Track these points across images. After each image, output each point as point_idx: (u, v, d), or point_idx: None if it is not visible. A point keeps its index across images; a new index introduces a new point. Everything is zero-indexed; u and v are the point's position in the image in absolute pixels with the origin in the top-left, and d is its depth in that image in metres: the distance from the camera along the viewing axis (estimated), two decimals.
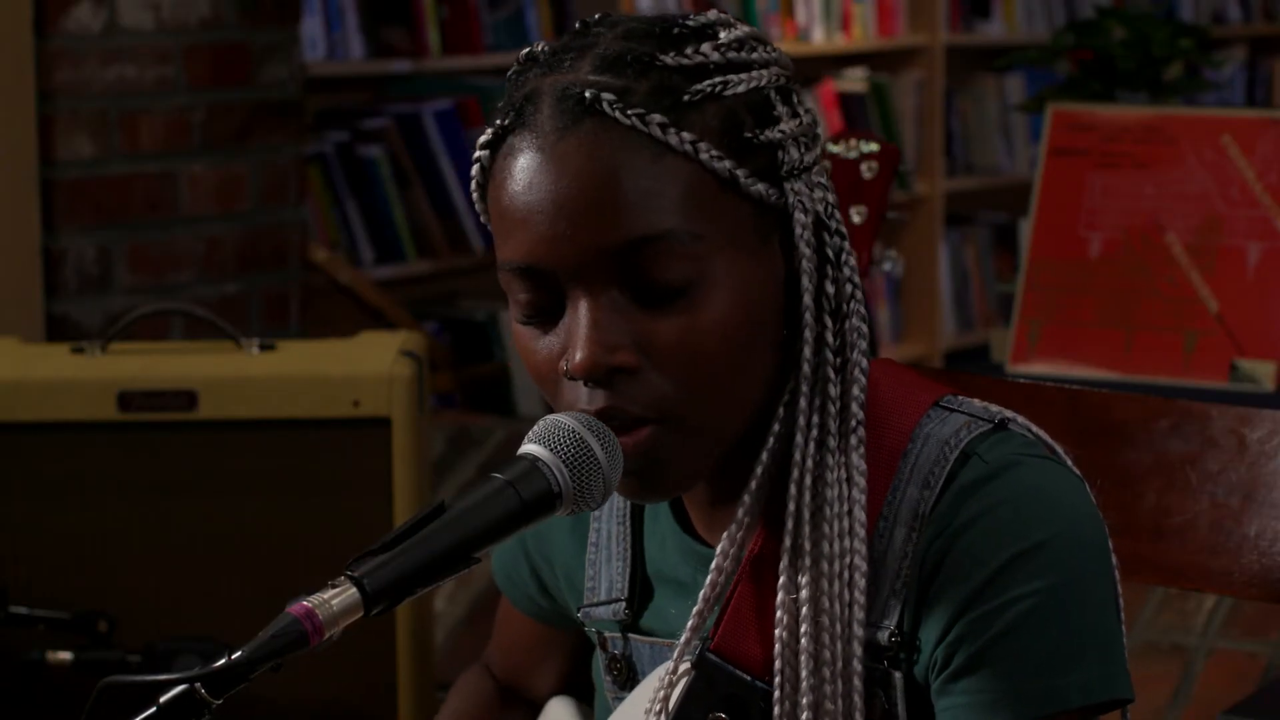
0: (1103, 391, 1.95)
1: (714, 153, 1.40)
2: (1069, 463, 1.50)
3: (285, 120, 4.01)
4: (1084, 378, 2.61)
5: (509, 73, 1.47)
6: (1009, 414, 1.49)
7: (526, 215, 1.40)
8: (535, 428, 1.43)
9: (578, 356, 1.39)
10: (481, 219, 1.47)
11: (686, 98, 1.40)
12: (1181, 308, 2.64)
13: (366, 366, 2.62)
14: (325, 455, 2.60)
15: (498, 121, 1.43)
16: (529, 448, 1.42)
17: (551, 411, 1.45)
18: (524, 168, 1.40)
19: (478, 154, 1.45)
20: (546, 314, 1.43)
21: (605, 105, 1.38)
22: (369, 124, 5.01)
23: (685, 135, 1.39)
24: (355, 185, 4.94)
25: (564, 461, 1.40)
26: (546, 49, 1.45)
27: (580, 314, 1.40)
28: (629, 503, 1.60)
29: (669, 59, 1.41)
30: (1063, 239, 2.71)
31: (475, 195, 1.46)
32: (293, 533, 2.59)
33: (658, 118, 1.39)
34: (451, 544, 1.36)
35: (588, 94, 1.39)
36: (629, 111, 1.38)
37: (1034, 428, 1.50)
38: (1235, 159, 2.66)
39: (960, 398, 1.50)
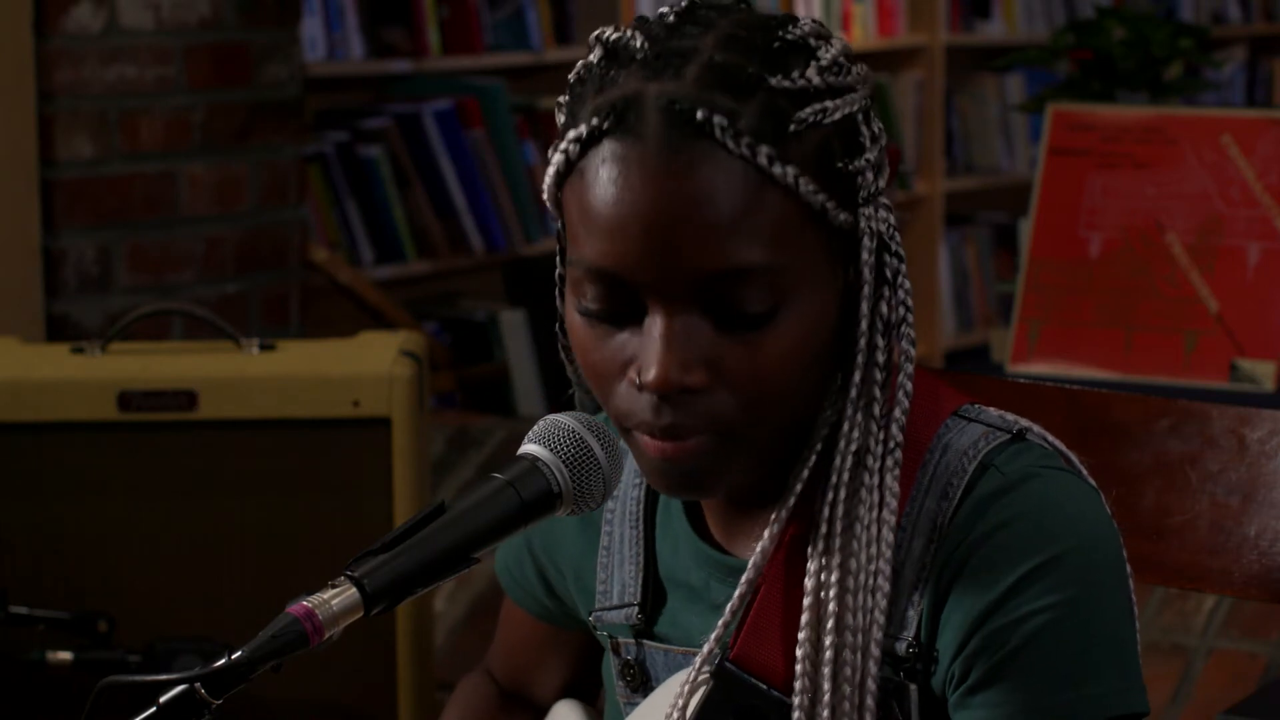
0: (1103, 391, 1.94)
1: (811, 186, 1.39)
2: (1085, 474, 1.49)
3: (285, 120, 4.00)
4: (1084, 378, 2.61)
5: (589, 56, 1.43)
6: (1026, 423, 1.49)
7: (619, 224, 1.38)
8: (535, 428, 1.43)
9: (652, 373, 1.38)
10: (547, 200, 1.45)
11: (792, 127, 1.38)
12: (1181, 308, 2.64)
13: (366, 366, 2.61)
14: (325, 455, 2.59)
15: (594, 121, 1.39)
16: (529, 448, 1.42)
17: (552, 411, 1.45)
18: (623, 177, 1.37)
19: (566, 146, 1.40)
20: (615, 316, 1.41)
21: (717, 130, 1.36)
22: (369, 124, 5.01)
23: (790, 169, 1.37)
24: (355, 185, 4.94)
25: (564, 461, 1.41)
26: (640, 44, 1.40)
27: (658, 329, 1.39)
28: (642, 506, 1.59)
29: (775, 81, 1.38)
30: (1063, 239, 2.71)
31: (550, 182, 1.43)
32: (293, 533, 2.59)
33: (765, 149, 1.37)
34: (451, 544, 1.36)
35: (699, 114, 1.36)
36: (741, 141, 1.36)
37: (1050, 437, 1.50)
38: (1235, 159, 2.66)
39: (978, 406, 1.50)
